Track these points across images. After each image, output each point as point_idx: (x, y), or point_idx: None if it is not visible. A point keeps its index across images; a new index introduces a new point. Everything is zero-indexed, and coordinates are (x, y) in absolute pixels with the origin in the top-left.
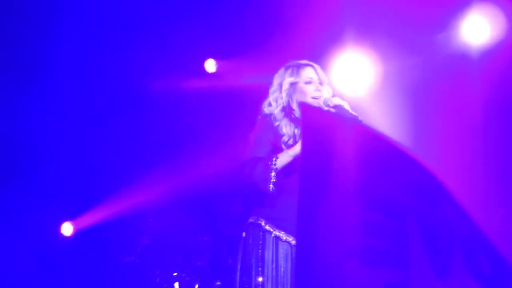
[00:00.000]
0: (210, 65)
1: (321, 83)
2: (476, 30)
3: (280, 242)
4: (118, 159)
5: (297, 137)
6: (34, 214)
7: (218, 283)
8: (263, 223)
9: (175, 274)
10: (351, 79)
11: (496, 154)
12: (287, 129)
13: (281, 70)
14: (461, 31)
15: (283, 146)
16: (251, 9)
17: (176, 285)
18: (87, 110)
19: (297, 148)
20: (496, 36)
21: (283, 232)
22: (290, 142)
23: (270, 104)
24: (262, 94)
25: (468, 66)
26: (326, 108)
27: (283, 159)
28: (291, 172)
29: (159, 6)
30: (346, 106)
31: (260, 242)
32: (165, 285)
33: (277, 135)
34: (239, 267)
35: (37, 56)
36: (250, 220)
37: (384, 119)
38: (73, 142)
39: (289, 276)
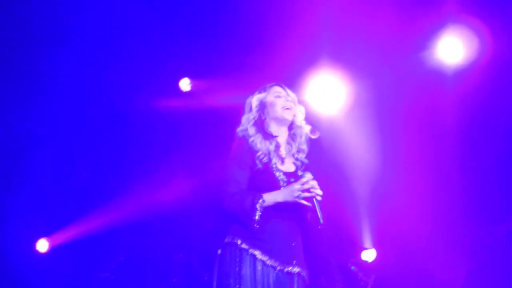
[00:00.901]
0: (185, 84)
1: (290, 100)
2: (450, 51)
3: (256, 260)
4: (93, 177)
5: (271, 154)
6: (10, 230)
7: None
8: (239, 242)
9: None
10: (326, 98)
11: (469, 171)
12: (261, 145)
13: (250, 97)
14: (436, 52)
15: (257, 163)
16: (227, 29)
17: None
18: (60, 127)
19: (278, 197)
20: (469, 56)
21: (258, 251)
22: (265, 159)
23: (242, 124)
24: (237, 114)
25: (442, 85)
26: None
27: (268, 202)
28: (274, 209)
29: (134, 23)
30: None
31: (237, 259)
32: None
33: (253, 151)
34: (215, 284)
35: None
36: (226, 240)
37: (359, 137)
38: (48, 160)
39: None
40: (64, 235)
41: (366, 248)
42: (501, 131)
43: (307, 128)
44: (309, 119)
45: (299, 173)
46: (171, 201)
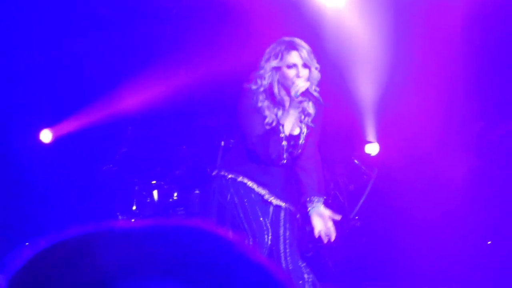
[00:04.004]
0: None
1: (306, 66)
2: None
3: (246, 188)
4: (99, 67)
5: (281, 120)
6: (13, 120)
7: (197, 191)
8: (226, 174)
9: (153, 182)
10: None
11: (477, 68)
12: (269, 111)
13: (270, 50)
14: None
15: (267, 128)
16: None
17: (155, 193)
18: (64, 18)
19: (294, 105)
20: None
21: (246, 179)
22: (274, 124)
23: (255, 82)
24: (243, 8)
25: None
26: (294, 99)
27: (288, 123)
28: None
29: None
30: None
31: (226, 189)
32: (144, 193)
33: (262, 115)
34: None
35: None
36: (214, 173)
37: (365, 31)
38: (52, 52)
39: (265, 223)
40: (68, 126)
41: (369, 142)
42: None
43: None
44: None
45: (302, 137)
46: (175, 93)
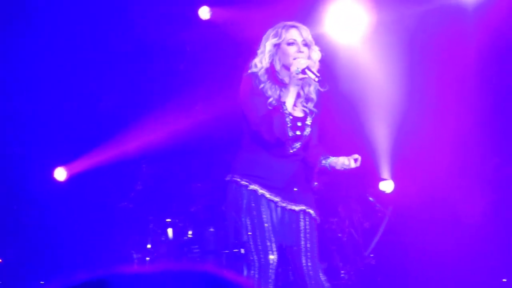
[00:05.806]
0: (204, 12)
1: (306, 45)
2: None
3: (258, 195)
4: (112, 105)
5: (282, 98)
6: (28, 158)
7: (211, 229)
8: (238, 179)
9: (168, 220)
10: (347, 27)
11: (491, 104)
12: (272, 91)
13: (268, 32)
14: None
15: (269, 108)
16: None
17: (170, 231)
18: (80, 55)
19: (294, 82)
20: None
21: (258, 186)
22: (276, 103)
23: (255, 65)
24: (254, 44)
25: (463, 16)
26: (294, 76)
27: (290, 100)
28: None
29: None
30: (313, 78)
31: (239, 196)
32: (159, 231)
33: (264, 96)
34: (227, 218)
35: None
36: (227, 178)
37: (379, 67)
38: (67, 88)
39: (270, 226)
40: (82, 164)
41: (384, 179)
42: None
43: (316, 79)
44: (328, 50)
45: (308, 121)
46: (190, 130)
